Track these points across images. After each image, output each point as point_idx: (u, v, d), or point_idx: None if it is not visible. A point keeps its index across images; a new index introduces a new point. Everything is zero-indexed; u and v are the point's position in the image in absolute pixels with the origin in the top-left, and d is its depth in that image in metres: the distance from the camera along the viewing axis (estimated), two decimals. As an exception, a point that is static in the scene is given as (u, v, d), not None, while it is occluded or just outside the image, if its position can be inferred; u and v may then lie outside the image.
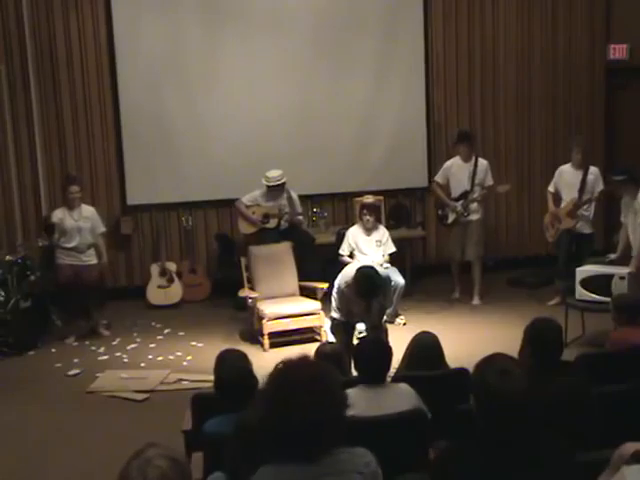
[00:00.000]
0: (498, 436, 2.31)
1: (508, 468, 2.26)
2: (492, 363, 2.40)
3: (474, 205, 7.72)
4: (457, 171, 7.79)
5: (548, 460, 2.30)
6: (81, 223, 7.11)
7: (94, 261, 7.21)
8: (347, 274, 5.71)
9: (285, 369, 2.28)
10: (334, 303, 5.79)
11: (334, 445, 2.24)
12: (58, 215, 7.10)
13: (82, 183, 7.46)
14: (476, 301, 7.79)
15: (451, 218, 7.82)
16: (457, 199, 7.76)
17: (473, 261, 7.82)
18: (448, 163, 7.91)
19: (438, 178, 7.96)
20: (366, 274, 5.43)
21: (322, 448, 2.21)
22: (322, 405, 2.17)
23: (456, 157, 7.86)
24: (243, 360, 3.54)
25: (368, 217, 7.24)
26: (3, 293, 6.88)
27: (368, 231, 7.26)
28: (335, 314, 5.77)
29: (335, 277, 5.96)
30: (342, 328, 5.74)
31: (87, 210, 7.23)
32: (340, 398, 2.27)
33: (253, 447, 2.36)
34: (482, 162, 7.76)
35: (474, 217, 7.76)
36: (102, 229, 7.33)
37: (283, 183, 7.57)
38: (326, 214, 8.57)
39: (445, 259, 8.33)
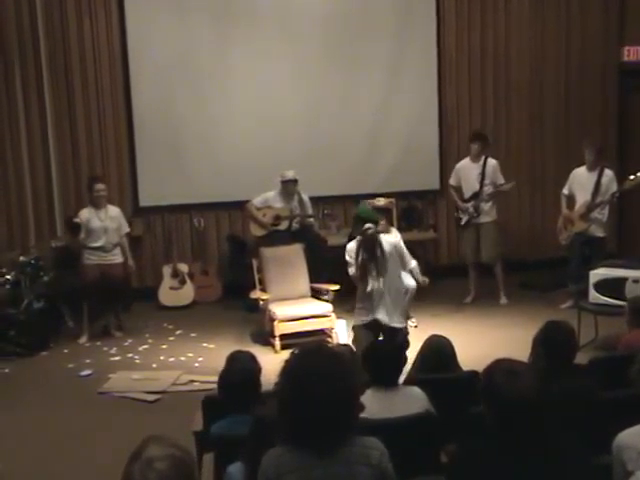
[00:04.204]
0: (512, 437, 2.30)
1: (525, 469, 2.25)
2: (500, 366, 2.40)
3: (486, 206, 7.72)
4: (467, 172, 7.83)
5: (566, 461, 2.28)
6: (107, 223, 7.14)
7: (120, 259, 7.25)
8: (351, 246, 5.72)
9: (301, 356, 2.30)
10: (351, 260, 5.66)
11: (346, 433, 2.25)
12: (85, 215, 7.13)
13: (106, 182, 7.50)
14: (504, 300, 7.82)
15: (464, 220, 7.84)
16: (468, 200, 7.78)
17: (492, 263, 7.83)
18: (458, 165, 7.96)
19: (451, 180, 8.02)
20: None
21: (334, 435, 2.23)
22: (335, 392, 2.19)
23: (466, 158, 7.89)
24: (251, 362, 3.54)
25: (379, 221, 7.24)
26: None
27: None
28: (352, 269, 5.65)
29: (345, 280, 5.96)
30: (363, 333, 5.66)
31: (113, 210, 7.27)
32: (353, 386, 2.29)
33: (271, 443, 2.38)
34: (491, 162, 7.77)
35: (486, 219, 7.77)
36: (127, 229, 7.39)
37: (296, 179, 7.59)
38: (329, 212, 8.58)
39: (457, 262, 8.31)
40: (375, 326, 5.63)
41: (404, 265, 5.83)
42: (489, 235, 7.80)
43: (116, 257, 7.22)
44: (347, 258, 5.70)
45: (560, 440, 2.33)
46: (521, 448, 2.28)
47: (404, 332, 5.74)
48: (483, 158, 7.75)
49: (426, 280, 6.19)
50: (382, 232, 5.76)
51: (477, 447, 2.39)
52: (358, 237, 5.63)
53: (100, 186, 7.18)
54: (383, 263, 5.55)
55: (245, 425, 2.89)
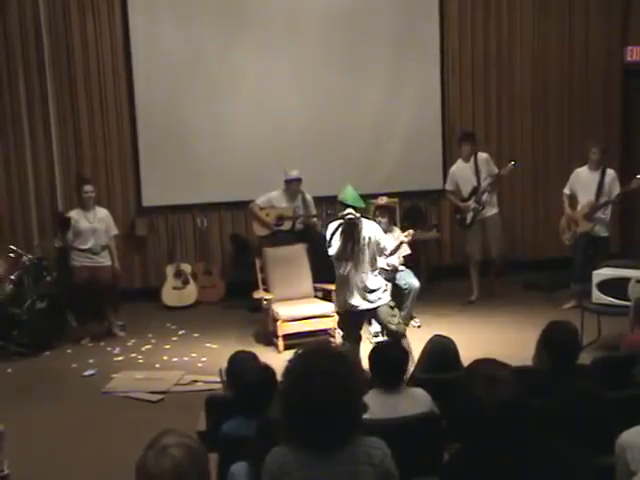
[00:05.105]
0: (492, 443, 2.24)
1: (523, 470, 2.24)
2: (476, 371, 2.35)
3: (487, 197, 7.77)
4: (462, 173, 7.88)
5: (565, 462, 2.28)
6: (96, 225, 7.15)
7: (108, 262, 7.25)
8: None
9: (304, 356, 2.31)
10: (332, 241, 5.66)
11: (349, 433, 2.26)
12: (73, 216, 7.15)
13: (95, 184, 7.51)
14: (474, 295, 7.89)
15: (469, 218, 7.86)
16: (468, 198, 7.81)
17: (501, 256, 7.90)
18: (452, 168, 8.01)
19: (447, 186, 8.06)
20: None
21: (337, 435, 2.23)
22: (338, 392, 2.20)
23: (458, 161, 7.95)
24: (258, 361, 3.55)
25: (381, 219, 7.25)
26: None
27: (382, 232, 7.27)
28: (332, 251, 5.66)
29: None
30: (349, 321, 5.71)
31: (101, 212, 7.28)
32: (357, 386, 2.30)
33: (276, 443, 2.38)
34: (481, 156, 7.84)
35: (491, 211, 7.84)
36: (115, 232, 7.37)
37: (300, 178, 7.62)
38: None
39: (460, 262, 8.30)
40: (354, 312, 5.66)
41: (380, 252, 5.80)
42: (496, 228, 7.87)
43: (105, 260, 7.22)
44: (328, 237, 5.70)
45: (559, 441, 2.32)
46: (508, 454, 2.24)
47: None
48: (473, 156, 7.80)
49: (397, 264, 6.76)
50: (361, 218, 5.70)
51: (474, 448, 2.37)
52: (338, 221, 5.63)
53: (88, 187, 7.19)
54: (361, 249, 5.55)
55: (254, 427, 2.89)
